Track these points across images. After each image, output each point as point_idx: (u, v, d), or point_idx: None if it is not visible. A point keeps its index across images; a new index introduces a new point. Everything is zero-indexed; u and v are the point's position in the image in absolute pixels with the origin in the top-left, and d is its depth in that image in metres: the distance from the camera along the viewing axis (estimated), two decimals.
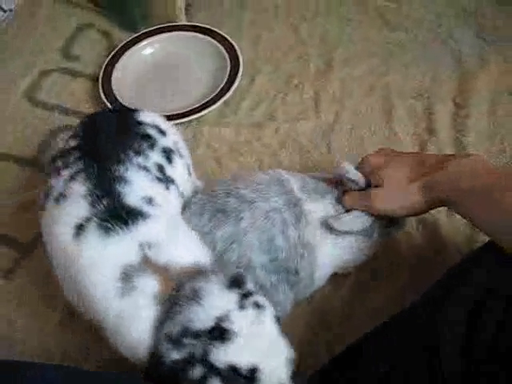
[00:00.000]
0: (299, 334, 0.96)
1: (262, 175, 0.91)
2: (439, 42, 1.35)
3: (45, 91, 1.38)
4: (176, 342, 0.66)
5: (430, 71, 1.29)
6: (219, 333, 0.66)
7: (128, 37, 1.42)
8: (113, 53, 1.38)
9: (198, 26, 1.40)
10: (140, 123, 0.88)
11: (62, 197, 0.77)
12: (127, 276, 0.70)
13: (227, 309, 0.67)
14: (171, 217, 0.80)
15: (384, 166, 0.87)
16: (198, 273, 0.72)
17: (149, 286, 0.70)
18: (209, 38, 1.37)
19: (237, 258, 0.84)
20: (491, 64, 1.28)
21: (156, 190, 0.81)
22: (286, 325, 0.94)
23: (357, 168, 0.90)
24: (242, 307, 0.68)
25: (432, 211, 1.04)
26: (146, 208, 0.75)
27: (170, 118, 1.24)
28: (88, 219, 0.73)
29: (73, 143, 0.84)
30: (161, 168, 0.84)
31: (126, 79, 1.35)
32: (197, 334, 0.66)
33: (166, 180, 0.84)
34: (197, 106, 1.25)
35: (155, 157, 0.84)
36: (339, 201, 0.90)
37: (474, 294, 0.74)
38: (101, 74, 1.34)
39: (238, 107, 1.29)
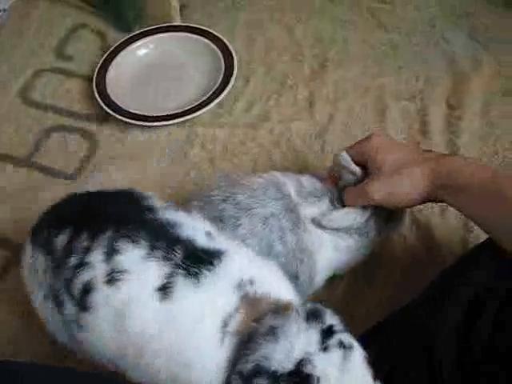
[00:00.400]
0: None
1: (258, 179, 0.90)
2: (432, 44, 1.35)
3: (39, 91, 1.38)
4: (247, 380, 0.62)
5: (424, 73, 1.30)
6: (301, 378, 0.60)
7: (122, 37, 1.42)
8: (107, 53, 1.38)
9: (192, 27, 1.40)
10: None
11: (115, 277, 0.67)
12: (226, 325, 0.65)
13: (308, 351, 0.61)
14: (242, 245, 0.76)
15: (383, 150, 0.84)
16: (279, 307, 0.67)
17: (237, 322, 0.65)
18: (203, 39, 1.37)
19: None
20: (484, 65, 1.29)
21: (202, 222, 0.76)
22: None
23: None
24: (325, 349, 0.62)
25: (425, 212, 1.06)
26: (216, 244, 0.71)
27: (164, 118, 1.25)
28: (170, 275, 0.66)
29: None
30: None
31: (121, 79, 1.34)
32: (274, 376, 0.60)
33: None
34: (191, 106, 1.25)
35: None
36: (337, 202, 0.90)
37: (471, 294, 0.74)
38: (95, 74, 1.34)
39: (233, 108, 1.29)
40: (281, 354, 0.60)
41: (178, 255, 0.66)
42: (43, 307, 0.76)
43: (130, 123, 1.25)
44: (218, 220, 0.85)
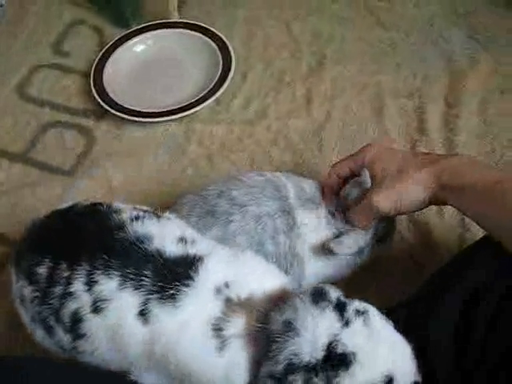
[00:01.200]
0: None
1: (258, 177, 0.90)
2: (431, 42, 1.35)
3: (36, 87, 1.38)
4: (282, 380, 0.61)
5: (422, 71, 1.30)
6: (338, 360, 0.60)
7: (120, 33, 1.41)
8: (104, 49, 1.37)
9: (190, 23, 1.40)
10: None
11: (98, 307, 0.68)
12: (218, 330, 0.65)
13: (332, 332, 0.61)
14: (218, 247, 0.75)
15: (380, 159, 0.84)
16: (279, 299, 0.66)
17: (237, 327, 0.65)
18: (201, 35, 1.37)
19: None
20: (482, 64, 1.29)
21: (173, 228, 0.75)
22: None
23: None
24: (347, 323, 0.62)
25: (423, 211, 1.05)
26: (192, 249, 0.70)
27: (161, 114, 1.24)
28: (144, 303, 0.66)
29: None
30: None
31: (118, 75, 1.34)
32: (309, 368, 0.60)
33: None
34: (188, 102, 1.25)
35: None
36: (333, 214, 0.89)
37: (467, 292, 0.74)
38: (92, 69, 1.34)
39: (230, 104, 1.29)
40: (308, 346, 0.60)
41: (148, 279, 0.67)
42: (32, 328, 0.78)
43: (127, 119, 1.25)
44: (211, 214, 0.85)
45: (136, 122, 1.25)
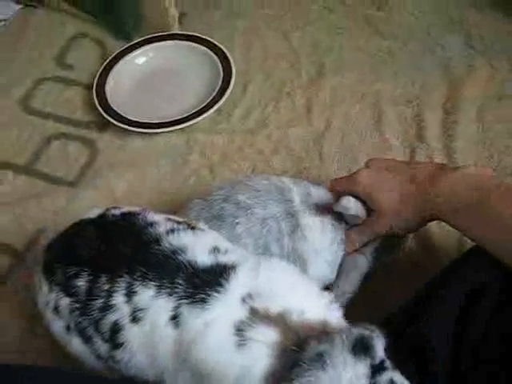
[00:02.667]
0: None
1: (263, 181, 0.92)
2: (428, 50, 1.37)
3: (39, 99, 1.39)
4: None
5: (420, 78, 1.31)
6: None
7: (122, 46, 1.43)
8: (107, 61, 1.39)
9: (191, 35, 1.41)
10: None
11: (138, 315, 0.72)
12: (241, 331, 0.66)
13: None
14: (259, 260, 0.75)
15: (376, 191, 0.87)
16: (323, 331, 0.65)
17: (264, 336, 0.65)
18: (202, 47, 1.39)
19: None
20: (479, 71, 1.30)
21: (206, 239, 0.78)
22: None
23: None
24: None
25: None
26: (223, 258, 0.73)
27: (162, 125, 1.26)
28: (176, 307, 0.69)
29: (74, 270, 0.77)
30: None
31: (120, 87, 1.36)
32: None
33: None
34: (190, 113, 1.27)
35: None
36: (339, 220, 0.91)
37: (464, 294, 0.75)
38: (95, 82, 1.36)
39: (231, 114, 1.30)
40: (326, 382, 0.60)
41: (181, 287, 0.70)
42: (64, 336, 0.80)
43: (129, 130, 1.27)
44: (218, 218, 0.87)
45: (138, 132, 1.27)
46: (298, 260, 0.88)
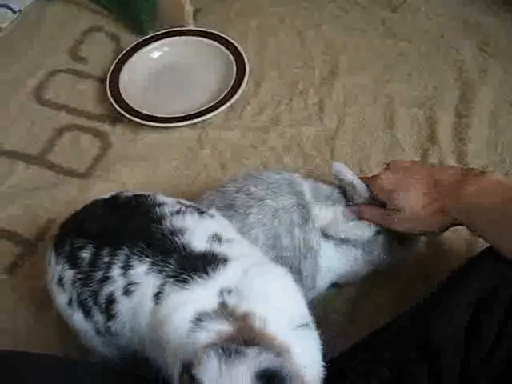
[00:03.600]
0: None
1: (275, 175, 0.92)
2: (442, 53, 1.37)
3: (52, 91, 1.40)
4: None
5: (433, 81, 1.31)
6: None
7: (135, 40, 1.44)
8: (121, 55, 1.40)
9: (205, 31, 1.42)
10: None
11: (130, 289, 0.74)
12: (199, 320, 0.66)
13: None
14: (260, 260, 0.77)
15: (398, 189, 0.87)
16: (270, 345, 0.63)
17: (218, 330, 0.65)
18: (216, 43, 1.39)
19: None
20: (492, 75, 1.30)
21: (217, 224, 0.79)
22: None
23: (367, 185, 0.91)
24: None
25: None
26: (219, 248, 0.73)
27: (175, 119, 1.27)
28: (162, 285, 0.71)
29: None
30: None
31: (134, 81, 1.36)
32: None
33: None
34: (203, 109, 1.27)
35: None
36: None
37: (474, 298, 0.75)
38: (108, 75, 1.36)
39: (244, 111, 1.31)
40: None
41: (171, 266, 0.71)
42: (67, 310, 0.82)
43: (141, 124, 1.27)
44: (230, 208, 0.88)
45: (150, 126, 1.27)
46: (308, 250, 0.89)
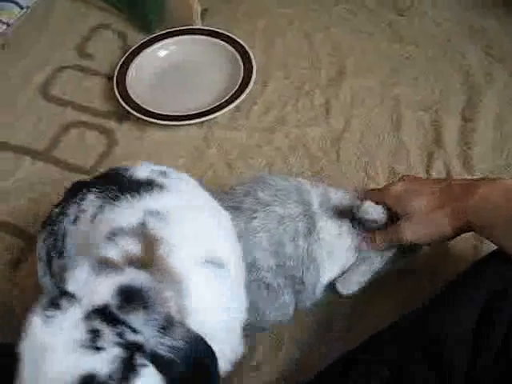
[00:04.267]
0: (303, 338, 0.98)
1: (282, 181, 0.92)
2: (448, 57, 1.37)
3: (59, 87, 1.40)
4: None
5: (439, 85, 1.31)
6: None
7: (143, 38, 1.44)
8: (128, 52, 1.40)
9: (212, 31, 1.42)
10: None
11: (78, 216, 0.78)
12: (112, 235, 0.67)
13: None
14: (195, 199, 0.78)
15: (408, 197, 0.87)
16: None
17: (126, 244, 0.66)
18: (223, 43, 1.39)
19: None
20: (498, 79, 1.30)
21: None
22: (288, 329, 0.97)
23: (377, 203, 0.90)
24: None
25: None
26: (160, 179, 0.75)
27: (182, 118, 1.27)
28: (101, 206, 0.74)
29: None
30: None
31: (141, 79, 1.37)
32: None
33: None
34: (209, 108, 1.27)
35: None
36: (355, 226, 0.91)
37: (484, 299, 0.76)
38: (116, 72, 1.36)
39: (250, 111, 1.31)
40: None
41: (112, 191, 0.74)
42: (42, 278, 0.86)
43: (148, 122, 1.28)
44: (236, 209, 0.88)
45: (157, 124, 1.27)
46: (312, 262, 0.89)
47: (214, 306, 0.67)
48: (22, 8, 1.56)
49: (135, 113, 1.27)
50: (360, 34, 1.44)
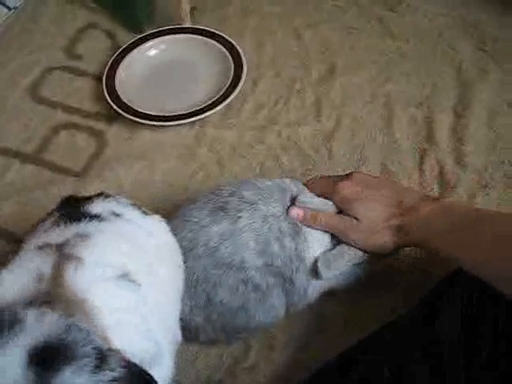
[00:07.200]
0: (297, 338, 0.97)
1: (267, 182, 0.93)
2: (440, 53, 1.36)
3: (48, 88, 1.39)
4: None
5: (431, 81, 1.31)
6: None
7: (132, 38, 1.43)
8: (117, 52, 1.39)
9: (202, 29, 1.41)
10: None
11: None
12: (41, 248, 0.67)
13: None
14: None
15: (358, 201, 0.88)
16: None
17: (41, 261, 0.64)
18: (213, 41, 1.38)
19: (229, 256, 0.85)
20: (491, 75, 1.30)
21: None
22: (282, 328, 0.97)
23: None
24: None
25: None
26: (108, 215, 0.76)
27: (172, 118, 1.26)
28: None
29: None
30: None
31: (130, 79, 1.35)
32: None
33: None
34: (200, 107, 1.26)
35: None
36: None
37: (472, 295, 0.75)
38: (105, 72, 1.35)
39: (241, 110, 1.30)
40: None
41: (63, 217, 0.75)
42: None
43: (138, 123, 1.26)
44: (221, 209, 0.88)
45: (147, 125, 1.26)
46: (301, 262, 0.89)
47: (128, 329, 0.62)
48: (9, 9, 1.54)
49: (125, 114, 1.26)
50: (350, 31, 1.43)
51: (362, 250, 0.89)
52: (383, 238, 0.86)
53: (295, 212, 0.90)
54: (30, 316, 0.53)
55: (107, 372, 0.51)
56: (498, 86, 1.28)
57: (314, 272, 0.89)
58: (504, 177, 1.13)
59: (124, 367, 0.52)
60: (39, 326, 0.52)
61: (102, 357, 0.51)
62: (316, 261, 0.89)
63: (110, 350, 0.53)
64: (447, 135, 1.20)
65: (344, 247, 0.89)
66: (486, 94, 1.26)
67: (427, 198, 0.88)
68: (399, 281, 1.01)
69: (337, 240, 0.91)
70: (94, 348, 0.52)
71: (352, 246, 0.89)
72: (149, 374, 0.55)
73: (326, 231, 0.91)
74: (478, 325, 0.73)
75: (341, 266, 0.89)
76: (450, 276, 0.83)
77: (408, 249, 1.01)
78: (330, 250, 0.90)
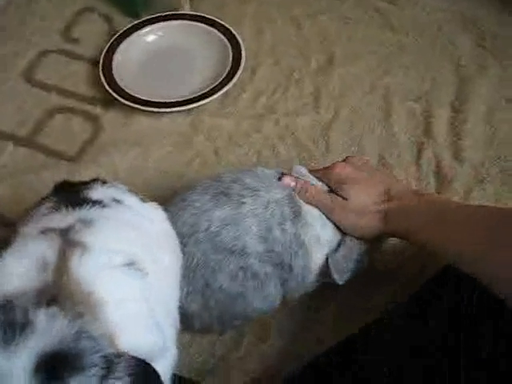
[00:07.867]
0: (289, 328, 0.97)
1: (266, 170, 0.93)
2: (439, 47, 1.36)
3: (43, 72, 1.37)
4: None
5: (429, 75, 1.30)
6: None
7: (129, 23, 1.41)
8: (115, 37, 1.37)
9: (201, 16, 1.40)
10: None
11: None
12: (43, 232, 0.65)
13: None
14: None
15: (350, 182, 0.89)
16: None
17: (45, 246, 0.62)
18: (212, 29, 1.37)
19: (230, 241, 0.85)
20: (489, 71, 1.29)
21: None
22: (278, 319, 0.96)
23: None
24: None
25: None
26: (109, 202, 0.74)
27: (169, 105, 1.24)
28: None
29: None
30: None
31: (127, 64, 1.34)
32: None
33: None
34: (197, 94, 1.25)
35: None
36: None
37: (465, 290, 0.75)
38: (102, 57, 1.33)
39: (238, 99, 1.29)
40: None
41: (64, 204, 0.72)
42: None
43: (134, 108, 1.25)
44: (224, 194, 0.87)
45: (144, 111, 1.25)
46: (300, 247, 0.88)
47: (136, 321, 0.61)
48: None
49: (121, 99, 1.25)
50: (349, 22, 1.43)
51: (349, 232, 0.90)
52: (372, 222, 0.87)
53: (288, 180, 0.91)
54: (41, 317, 0.52)
55: (113, 381, 0.50)
56: (496, 81, 1.28)
57: (328, 276, 0.89)
58: (500, 172, 1.13)
59: (130, 375, 0.51)
60: (49, 331, 0.51)
61: (110, 366, 0.51)
62: (327, 266, 0.89)
63: (117, 355, 0.52)
64: (445, 130, 1.20)
65: (348, 242, 0.89)
66: (485, 90, 1.26)
67: (414, 192, 0.89)
68: (392, 274, 1.01)
69: None
70: (102, 357, 0.51)
71: (339, 227, 0.90)
72: (156, 376, 0.55)
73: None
74: (478, 325, 0.72)
75: (352, 264, 0.89)
76: (439, 273, 0.83)
77: (402, 243, 1.00)
78: (335, 249, 0.90)
